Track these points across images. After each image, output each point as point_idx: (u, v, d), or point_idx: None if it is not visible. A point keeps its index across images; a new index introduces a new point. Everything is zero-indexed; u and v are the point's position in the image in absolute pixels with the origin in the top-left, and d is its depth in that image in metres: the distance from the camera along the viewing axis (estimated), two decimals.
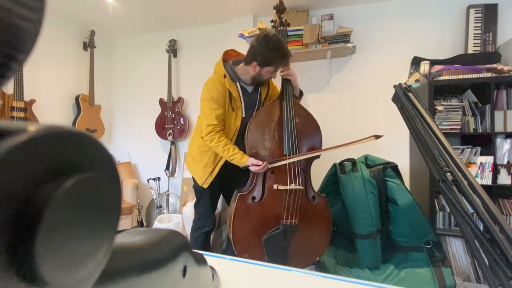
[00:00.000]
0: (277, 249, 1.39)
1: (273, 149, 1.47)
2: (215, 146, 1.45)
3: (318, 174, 1.90)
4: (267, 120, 1.49)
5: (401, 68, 2.26)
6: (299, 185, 1.43)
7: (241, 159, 1.43)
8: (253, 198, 1.45)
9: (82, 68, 2.72)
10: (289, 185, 1.43)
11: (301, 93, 1.64)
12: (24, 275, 0.09)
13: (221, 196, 1.72)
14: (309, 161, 1.52)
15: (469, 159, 1.83)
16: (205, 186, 1.53)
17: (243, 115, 1.52)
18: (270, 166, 1.42)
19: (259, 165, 1.40)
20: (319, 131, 1.56)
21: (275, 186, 1.43)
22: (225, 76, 1.46)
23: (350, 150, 2.30)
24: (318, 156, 1.54)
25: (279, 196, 1.43)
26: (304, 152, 1.50)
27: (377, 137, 1.35)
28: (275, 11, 1.72)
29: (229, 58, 1.55)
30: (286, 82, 1.55)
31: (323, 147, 1.56)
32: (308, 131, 1.54)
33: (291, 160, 1.42)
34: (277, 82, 1.70)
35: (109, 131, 3.10)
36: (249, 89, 1.55)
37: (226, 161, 1.51)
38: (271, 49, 1.36)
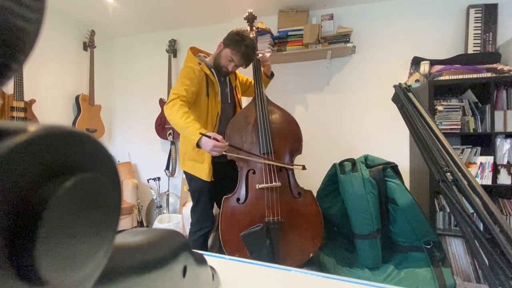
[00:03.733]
0: (258, 246, 1.39)
1: (252, 149, 1.53)
2: (175, 112, 1.32)
3: (318, 174, 1.91)
4: (244, 123, 1.56)
5: (401, 68, 2.26)
6: (276, 182, 1.46)
7: (198, 130, 1.28)
8: (238, 199, 1.50)
9: (82, 68, 2.72)
10: (268, 183, 1.46)
11: (272, 74, 1.79)
12: (24, 275, 0.09)
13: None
14: (289, 158, 1.57)
15: (469, 159, 1.83)
16: (212, 178, 1.53)
17: (220, 100, 1.59)
18: (226, 153, 1.36)
19: (220, 142, 1.27)
20: (296, 127, 1.61)
21: (257, 186, 1.47)
22: (200, 64, 1.53)
23: (350, 150, 2.31)
24: (300, 152, 1.61)
25: (262, 195, 1.47)
26: (281, 148, 1.56)
27: (304, 168, 1.52)
28: (246, 21, 1.84)
29: (194, 54, 1.63)
30: (259, 79, 1.66)
31: (304, 146, 1.64)
32: (282, 128, 1.59)
33: (258, 160, 1.48)
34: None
35: (109, 131, 3.10)
36: (221, 78, 1.63)
37: (220, 162, 1.53)
38: (238, 35, 1.48)
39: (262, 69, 1.71)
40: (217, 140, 1.27)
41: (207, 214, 1.60)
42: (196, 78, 1.47)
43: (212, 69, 1.57)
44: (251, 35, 1.77)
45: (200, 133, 1.27)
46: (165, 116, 2.69)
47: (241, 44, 1.46)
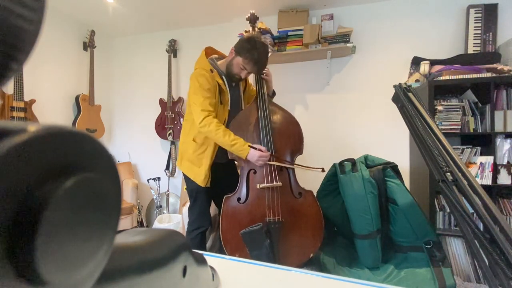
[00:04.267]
0: (258, 245, 1.39)
1: None
2: (215, 130, 1.39)
3: (318, 174, 1.90)
4: (245, 123, 1.56)
5: (401, 68, 2.26)
6: (277, 182, 1.47)
7: (244, 145, 1.40)
8: (239, 199, 1.51)
9: (82, 68, 2.71)
10: (269, 183, 1.47)
11: (273, 93, 1.75)
12: (24, 275, 0.09)
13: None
14: (290, 159, 1.57)
15: (469, 159, 1.83)
16: (207, 184, 1.53)
17: (230, 108, 1.58)
18: (270, 162, 1.46)
19: (264, 153, 1.41)
20: (297, 128, 1.60)
21: (258, 186, 1.47)
22: (212, 71, 1.51)
23: (350, 150, 2.31)
24: (301, 153, 1.61)
25: (262, 195, 1.48)
26: (282, 149, 1.56)
27: (323, 170, 1.54)
28: (248, 21, 1.81)
29: (208, 56, 1.61)
30: (260, 80, 1.63)
31: (305, 146, 1.64)
32: (284, 129, 1.58)
33: (282, 164, 1.50)
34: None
35: (109, 131, 3.10)
36: (232, 83, 1.62)
37: (221, 163, 1.53)
38: (250, 43, 1.44)
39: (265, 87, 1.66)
40: (262, 151, 1.41)
41: (204, 213, 1.60)
42: (212, 88, 1.47)
43: (223, 77, 1.55)
44: None
45: (249, 145, 1.40)
46: (165, 115, 2.73)
47: (253, 52, 1.43)
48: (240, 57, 1.46)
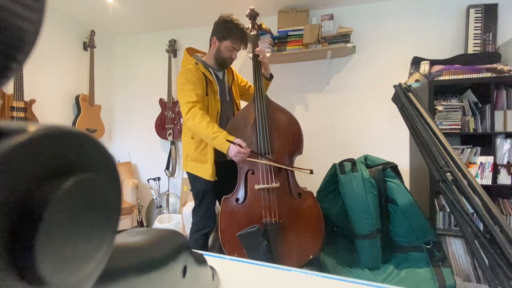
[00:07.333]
0: (255, 247, 1.38)
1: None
2: (198, 122, 1.37)
3: (318, 174, 1.90)
4: (243, 123, 1.55)
5: (401, 68, 2.26)
6: (274, 183, 1.45)
7: (225, 138, 1.36)
8: (237, 199, 1.50)
9: (82, 68, 2.71)
10: (265, 184, 1.46)
11: (271, 76, 1.73)
12: (24, 275, 0.09)
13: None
14: (289, 159, 1.55)
15: (469, 159, 1.83)
16: (215, 178, 1.53)
17: (219, 98, 1.58)
18: (248, 158, 1.42)
19: (243, 149, 1.35)
20: (296, 127, 1.58)
21: (255, 187, 1.47)
22: (197, 63, 1.53)
23: (350, 150, 2.31)
24: (300, 153, 1.58)
25: (260, 196, 1.47)
26: (280, 149, 1.53)
27: (311, 172, 1.47)
28: (248, 18, 1.80)
29: (190, 55, 1.64)
30: (257, 64, 1.62)
31: (304, 148, 1.60)
32: (282, 129, 1.56)
33: (268, 163, 1.47)
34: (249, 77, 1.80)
35: (109, 131, 3.10)
36: (220, 75, 1.63)
37: (224, 162, 1.53)
38: (229, 22, 1.47)
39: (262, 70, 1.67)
40: (241, 147, 1.36)
41: (210, 214, 1.60)
42: (196, 79, 1.47)
43: (210, 68, 1.57)
44: (252, 33, 1.73)
45: (227, 140, 1.35)
46: (165, 115, 2.73)
47: (236, 30, 1.47)
48: (226, 40, 1.49)
